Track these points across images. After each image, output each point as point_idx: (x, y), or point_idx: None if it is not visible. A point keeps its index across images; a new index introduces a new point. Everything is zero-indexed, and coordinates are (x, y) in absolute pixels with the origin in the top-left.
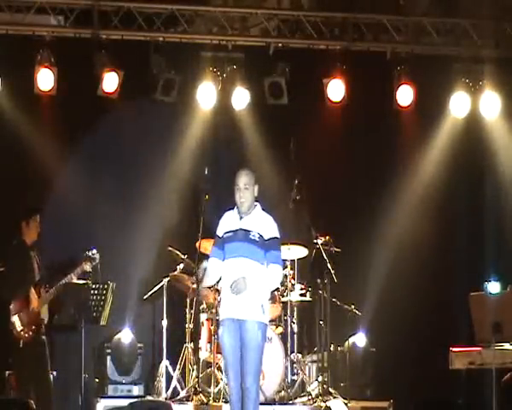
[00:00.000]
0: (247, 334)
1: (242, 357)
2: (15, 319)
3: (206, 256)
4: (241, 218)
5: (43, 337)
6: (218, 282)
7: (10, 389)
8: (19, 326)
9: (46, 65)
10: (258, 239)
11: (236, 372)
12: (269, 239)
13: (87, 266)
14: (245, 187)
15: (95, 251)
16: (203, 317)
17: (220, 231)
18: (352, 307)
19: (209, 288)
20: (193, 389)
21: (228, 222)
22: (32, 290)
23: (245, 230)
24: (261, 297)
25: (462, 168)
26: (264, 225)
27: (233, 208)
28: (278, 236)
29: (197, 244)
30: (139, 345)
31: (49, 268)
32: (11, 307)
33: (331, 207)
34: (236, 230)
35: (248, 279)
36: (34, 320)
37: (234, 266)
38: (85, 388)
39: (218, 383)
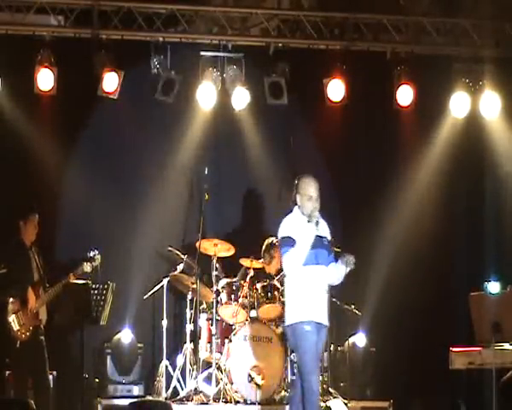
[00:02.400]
0: (322, 340)
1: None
2: (13, 319)
3: (207, 256)
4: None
5: (42, 338)
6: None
7: (10, 389)
8: (16, 326)
9: (46, 65)
10: (328, 244)
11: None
12: (329, 241)
13: (87, 267)
14: (317, 196)
15: (96, 252)
16: (203, 317)
17: (293, 235)
18: (352, 307)
19: (209, 288)
20: (193, 389)
21: (300, 228)
22: (30, 290)
23: (320, 237)
24: None
25: (462, 168)
26: (326, 229)
27: (291, 212)
28: None
29: (197, 244)
30: (139, 345)
31: (48, 268)
32: (8, 306)
33: (331, 206)
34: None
35: (325, 286)
36: (32, 321)
37: (314, 273)
38: (85, 388)
39: (218, 383)
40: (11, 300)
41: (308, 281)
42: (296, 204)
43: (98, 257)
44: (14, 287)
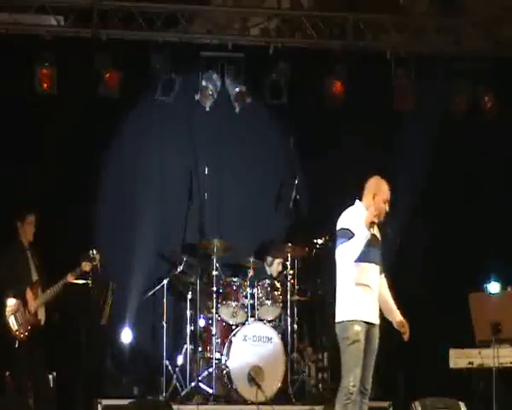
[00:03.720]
0: (376, 337)
1: (367, 360)
2: (11, 319)
3: (207, 256)
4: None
5: (41, 338)
6: None
7: (10, 389)
8: (15, 327)
9: (46, 65)
10: (380, 245)
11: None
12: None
13: (86, 267)
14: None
15: (95, 251)
16: (203, 317)
17: (354, 228)
18: None
19: (209, 288)
20: (193, 389)
21: (360, 222)
22: (29, 291)
23: (375, 235)
24: None
25: (462, 168)
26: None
27: (352, 205)
28: None
29: (197, 244)
30: (139, 345)
31: (48, 268)
32: (7, 307)
33: (331, 206)
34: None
35: (377, 285)
36: (30, 321)
37: (366, 270)
38: (85, 388)
39: (218, 383)
40: (9, 300)
41: (360, 278)
42: (359, 200)
43: (97, 256)
44: (13, 287)
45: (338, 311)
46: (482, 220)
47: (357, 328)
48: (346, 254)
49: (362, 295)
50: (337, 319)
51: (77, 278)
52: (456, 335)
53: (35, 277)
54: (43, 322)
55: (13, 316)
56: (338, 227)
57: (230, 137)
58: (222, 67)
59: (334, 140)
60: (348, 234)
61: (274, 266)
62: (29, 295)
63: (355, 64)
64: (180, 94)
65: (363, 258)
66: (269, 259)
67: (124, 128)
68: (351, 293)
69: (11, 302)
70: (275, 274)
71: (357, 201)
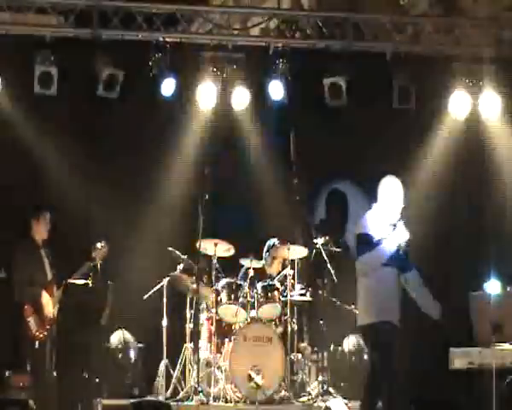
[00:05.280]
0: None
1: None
2: (30, 320)
3: (207, 256)
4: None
5: (54, 336)
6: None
7: (11, 389)
8: (34, 327)
9: (46, 65)
10: (406, 248)
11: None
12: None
13: (90, 265)
14: None
15: (103, 243)
16: (203, 317)
17: (374, 233)
18: (352, 306)
19: (209, 288)
20: (193, 389)
21: (380, 226)
22: (45, 292)
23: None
24: None
25: (463, 168)
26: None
27: (370, 209)
28: None
29: (197, 244)
30: (139, 345)
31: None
32: (25, 308)
33: (330, 207)
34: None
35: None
36: (48, 320)
37: (393, 273)
38: (85, 388)
39: (218, 383)
40: (26, 305)
41: (383, 281)
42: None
43: (105, 248)
44: (29, 289)
45: (364, 313)
46: (482, 220)
47: (388, 327)
48: (368, 264)
49: (385, 297)
50: (364, 322)
51: (78, 278)
52: (456, 335)
53: (50, 275)
54: (56, 320)
55: (31, 317)
56: (358, 231)
57: (230, 137)
58: (222, 67)
59: (333, 140)
60: (371, 241)
61: (274, 266)
62: (45, 296)
63: (355, 64)
64: (180, 94)
65: (386, 262)
66: (269, 259)
67: (123, 128)
68: (375, 295)
69: (28, 307)
70: (275, 274)
71: (374, 204)
